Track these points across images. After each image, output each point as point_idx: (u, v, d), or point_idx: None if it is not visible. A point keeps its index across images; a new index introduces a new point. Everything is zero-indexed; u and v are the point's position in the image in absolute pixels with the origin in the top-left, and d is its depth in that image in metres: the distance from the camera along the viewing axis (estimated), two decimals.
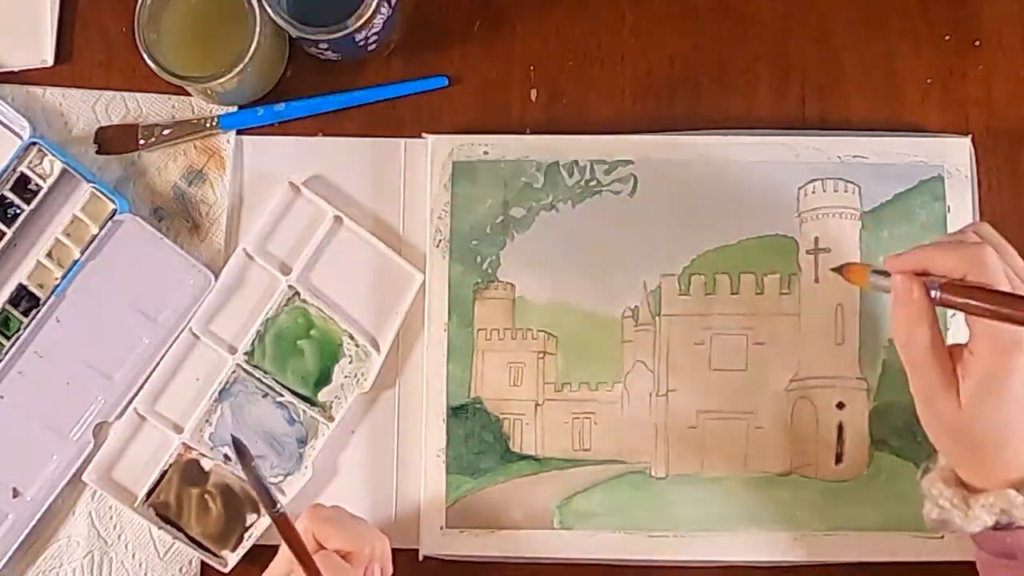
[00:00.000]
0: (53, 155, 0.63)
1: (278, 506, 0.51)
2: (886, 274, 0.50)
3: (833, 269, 0.56)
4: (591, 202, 0.64)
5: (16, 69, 0.65)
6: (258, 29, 0.59)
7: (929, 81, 0.65)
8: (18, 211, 0.63)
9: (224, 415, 0.63)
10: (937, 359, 0.50)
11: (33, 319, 0.63)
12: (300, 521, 0.55)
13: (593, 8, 0.66)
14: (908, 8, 0.66)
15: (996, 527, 0.50)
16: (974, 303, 0.46)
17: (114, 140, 0.65)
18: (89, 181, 0.63)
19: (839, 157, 0.64)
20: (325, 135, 0.65)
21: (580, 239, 0.64)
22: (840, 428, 0.62)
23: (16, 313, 0.63)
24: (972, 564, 0.59)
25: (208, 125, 0.65)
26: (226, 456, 0.63)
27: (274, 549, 0.63)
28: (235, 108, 0.65)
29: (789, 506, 0.62)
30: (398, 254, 0.64)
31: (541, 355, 0.63)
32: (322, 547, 0.55)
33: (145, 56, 0.59)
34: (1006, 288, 0.47)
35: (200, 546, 0.63)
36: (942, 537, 0.61)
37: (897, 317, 0.50)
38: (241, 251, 0.64)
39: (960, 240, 0.50)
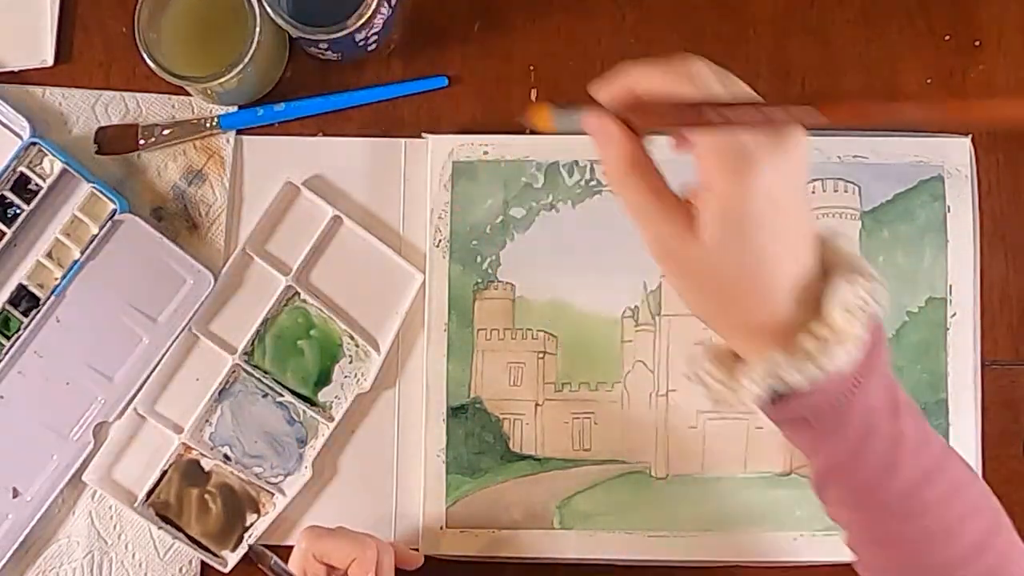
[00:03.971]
0: (53, 155, 0.63)
1: None
2: (575, 110, 0.43)
3: (517, 118, 0.51)
4: (591, 202, 0.64)
5: (16, 69, 0.65)
6: (258, 29, 0.58)
7: (929, 81, 0.65)
8: (18, 211, 0.63)
9: (224, 415, 0.63)
10: (662, 201, 0.42)
11: (33, 319, 0.63)
12: (298, 543, 0.55)
13: (593, 8, 0.66)
14: (908, 8, 0.66)
15: (778, 397, 0.43)
16: (689, 119, 0.40)
17: (114, 140, 0.65)
18: (89, 181, 0.63)
19: (839, 157, 0.64)
20: (325, 135, 0.65)
21: (580, 239, 0.64)
22: None
23: (16, 313, 0.63)
24: None
25: (208, 125, 0.65)
26: (226, 456, 0.63)
27: (273, 549, 0.63)
28: (235, 108, 0.65)
29: (789, 506, 0.62)
30: (398, 254, 0.64)
31: (541, 355, 0.63)
32: (331, 567, 0.55)
33: (145, 56, 0.59)
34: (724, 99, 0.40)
35: (200, 546, 0.63)
36: None
37: (605, 163, 0.43)
38: (241, 251, 0.64)
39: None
